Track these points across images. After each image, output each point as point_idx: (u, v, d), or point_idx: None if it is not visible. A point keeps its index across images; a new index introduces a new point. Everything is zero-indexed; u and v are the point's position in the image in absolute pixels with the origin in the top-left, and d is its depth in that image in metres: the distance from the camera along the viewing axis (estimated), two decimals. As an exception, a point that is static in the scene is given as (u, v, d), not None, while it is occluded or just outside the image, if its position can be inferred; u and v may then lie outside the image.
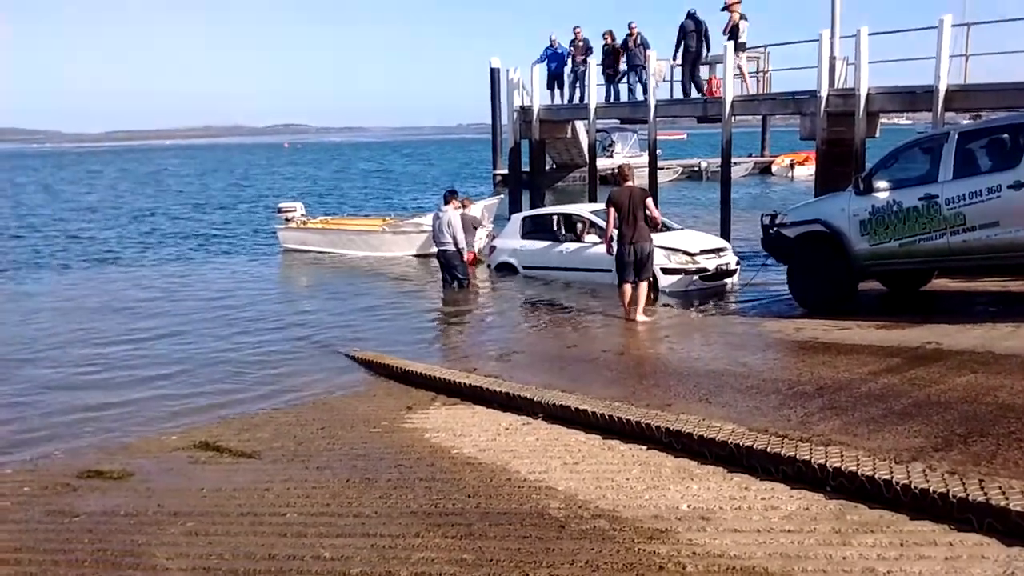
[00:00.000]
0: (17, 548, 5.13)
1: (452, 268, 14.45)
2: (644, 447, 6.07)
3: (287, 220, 20.69)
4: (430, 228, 16.64)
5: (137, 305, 14.19)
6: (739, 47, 18.29)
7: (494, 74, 30.40)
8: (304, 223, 20.70)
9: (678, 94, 20.46)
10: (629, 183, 11.18)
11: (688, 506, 4.98)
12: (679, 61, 19.89)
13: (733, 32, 18.47)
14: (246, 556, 4.72)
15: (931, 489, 4.57)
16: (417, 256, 18.36)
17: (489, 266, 15.99)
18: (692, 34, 19.37)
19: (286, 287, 17.19)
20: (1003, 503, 4.31)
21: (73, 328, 12.33)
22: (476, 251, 16.14)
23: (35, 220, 30.88)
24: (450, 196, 14.92)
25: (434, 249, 15.00)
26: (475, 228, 16.23)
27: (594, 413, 6.62)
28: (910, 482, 4.68)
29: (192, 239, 24.33)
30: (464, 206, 16.20)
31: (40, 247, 22.87)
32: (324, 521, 5.15)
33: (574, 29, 22.34)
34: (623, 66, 21.15)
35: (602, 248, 13.19)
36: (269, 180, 55.80)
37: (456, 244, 14.29)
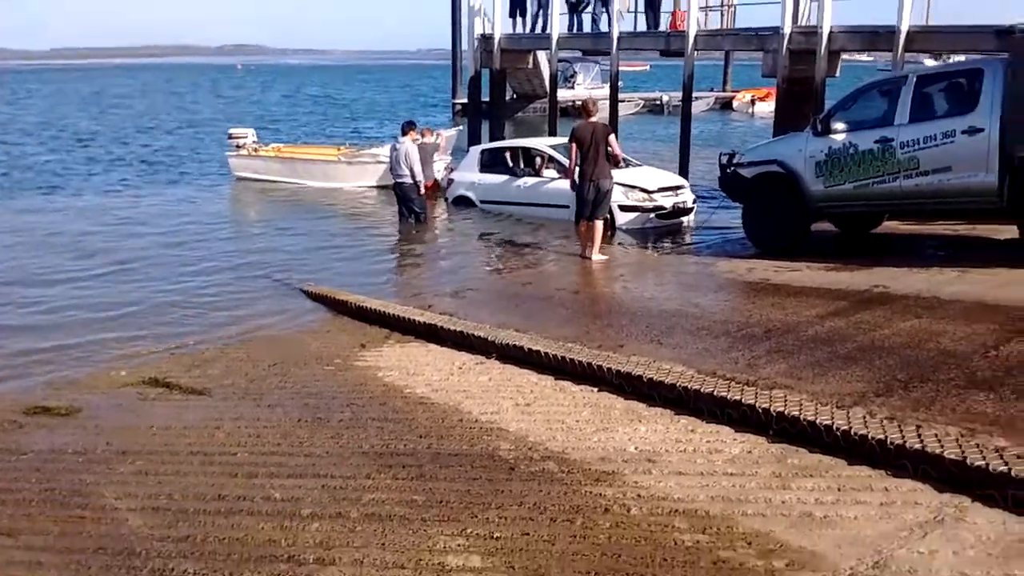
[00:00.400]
0: (-38, 486, 5.09)
1: (409, 201, 14.31)
2: (595, 389, 6.15)
3: (238, 147, 20.10)
4: (387, 159, 16.41)
5: (80, 240, 13.63)
6: None
7: (455, 0, 29.71)
8: (256, 150, 20.18)
9: (642, 26, 20.22)
10: (593, 119, 11.09)
11: (635, 448, 5.08)
12: None
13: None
14: (195, 496, 4.73)
15: (869, 435, 4.71)
16: (374, 187, 18.11)
17: (446, 199, 15.87)
18: None
19: (237, 219, 16.83)
20: (938, 450, 4.46)
21: (14, 265, 11.96)
22: (436, 180, 16.01)
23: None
24: (408, 127, 14.70)
25: (391, 181, 14.82)
26: (434, 157, 16.04)
27: (547, 354, 6.68)
28: (850, 428, 4.82)
29: (136, 166, 23.62)
30: (423, 136, 15.97)
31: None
32: (275, 461, 5.17)
33: None
34: None
35: (560, 183, 13.16)
36: (216, 103, 54.30)
37: (413, 177, 14.10)
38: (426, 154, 15.48)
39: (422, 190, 14.46)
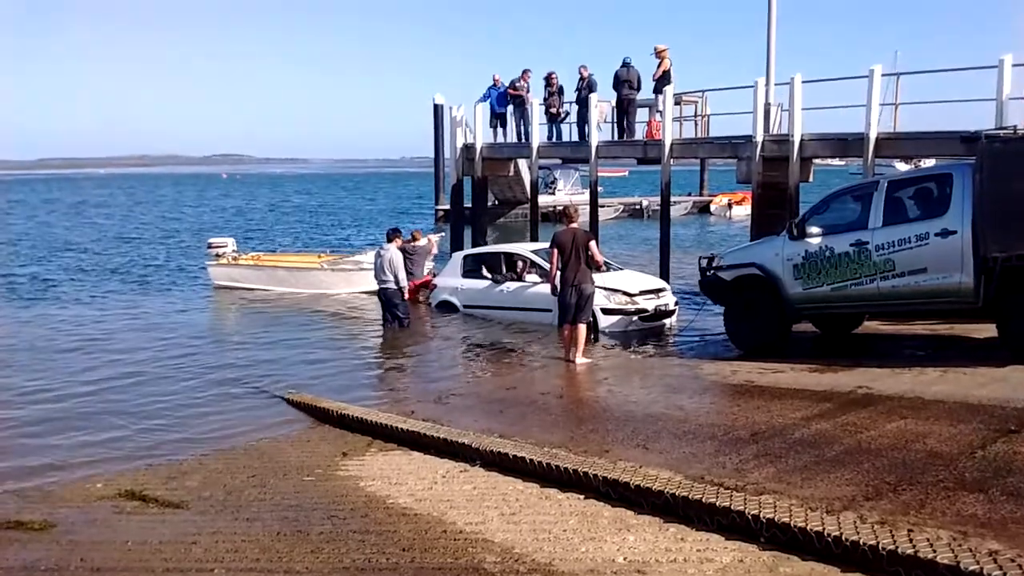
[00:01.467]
0: (-73, 608, 4.89)
1: (393, 307, 14.33)
2: (582, 496, 6.05)
3: (217, 256, 20.15)
4: (370, 266, 16.58)
5: (58, 349, 13.53)
6: (660, 89, 18.72)
7: (438, 110, 30.54)
8: (235, 259, 20.27)
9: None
10: (574, 224, 11.26)
11: (624, 559, 4.96)
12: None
13: (664, 77, 18.89)
14: (170, 616, 4.56)
15: (861, 541, 4.63)
16: (356, 294, 18.13)
17: (429, 304, 15.91)
18: (624, 83, 19.80)
19: (217, 327, 16.73)
20: (931, 555, 4.38)
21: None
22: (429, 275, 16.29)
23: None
24: (393, 234, 14.89)
25: (375, 287, 14.90)
26: (426, 258, 16.47)
27: (532, 461, 6.59)
28: (841, 533, 4.74)
29: (117, 275, 23.56)
30: (415, 238, 16.62)
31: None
32: (253, 578, 5.01)
33: (523, 72, 22.45)
34: (565, 107, 21.42)
35: (542, 288, 13.27)
36: (199, 213, 54.70)
37: (397, 282, 14.16)
38: (419, 256, 16.22)
39: (406, 295, 14.49)
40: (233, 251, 20.47)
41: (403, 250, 15.00)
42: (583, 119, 20.51)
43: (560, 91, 21.53)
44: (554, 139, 21.97)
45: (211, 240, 21.27)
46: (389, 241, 14.69)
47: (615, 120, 20.54)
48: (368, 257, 18.79)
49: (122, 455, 8.00)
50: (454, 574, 4.89)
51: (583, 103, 20.40)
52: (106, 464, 7.72)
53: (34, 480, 7.36)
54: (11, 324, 15.94)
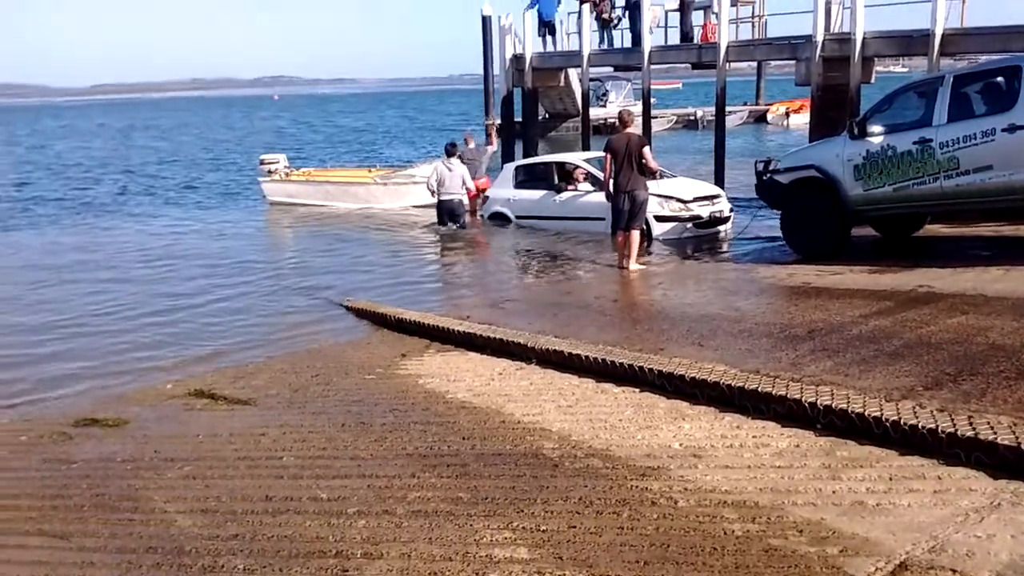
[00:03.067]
0: (16, 495, 5.17)
1: (457, 217, 15.25)
2: (637, 390, 6.12)
3: (269, 172, 20.33)
4: (422, 179, 16.94)
5: (127, 259, 14.12)
6: None
7: (486, 22, 29.90)
8: (288, 175, 20.44)
9: (673, 40, 20.27)
10: (628, 129, 11.10)
11: (680, 445, 5.04)
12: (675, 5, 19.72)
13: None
14: (243, 498, 4.77)
15: (920, 425, 4.63)
16: (409, 208, 18.22)
17: (482, 216, 15.94)
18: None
19: (274, 240, 17.09)
20: (991, 437, 4.37)
21: (62, 277, 12.29)
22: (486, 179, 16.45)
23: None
24: (452, 148, 15.54)
25: (430, 200, 15.71)
26: (476, 172, 16.37)
27: (587, 357, 6.66)
28: (899, 418, 4.74)
29: (174, 192, 24.09)
30: (466, 142, 16.79)
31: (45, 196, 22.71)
32: (320, 464, 5.20)
33: None
34: (616, 12, 20.90)
35: (595, 196, 13.18)
36: (258, 134, 55.11)
37: (467, 191, 15.25)
38: (480, 157, 16.53)
39: (468, 200, 15.43)
40: (285, 167, 20.63)
41: (461, 157, 15.53)
42: (636, 25, 20.00)
43: None
44: (605, 46, 21.51)
45: (263, 156, 21.45)
46: (449, 156, 15.30)
47: (676, 24, 19.99)
48: (420, 170, 18.86)
49: (189, 358, 8.29)
50: (513, 459, 5.01)
51: (635, 8, 19.87)
52: (174, 367, 7.99)
53: (106, 381, 7.68)
54: (86, 236, 16.49)
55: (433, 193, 15.40)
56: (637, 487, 4.50)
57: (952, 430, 4.50)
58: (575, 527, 4.11)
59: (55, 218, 19.82)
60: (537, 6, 22.38)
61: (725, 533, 3.94)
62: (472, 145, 17.07)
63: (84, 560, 4.26)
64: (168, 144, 47.50)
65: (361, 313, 9.53)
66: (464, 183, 15.18)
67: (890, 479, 4.34)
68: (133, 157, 38.53)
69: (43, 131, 67.39)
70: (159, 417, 6.52)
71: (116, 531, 4.56)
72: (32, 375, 7.99)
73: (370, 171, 21.17)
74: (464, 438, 5.44)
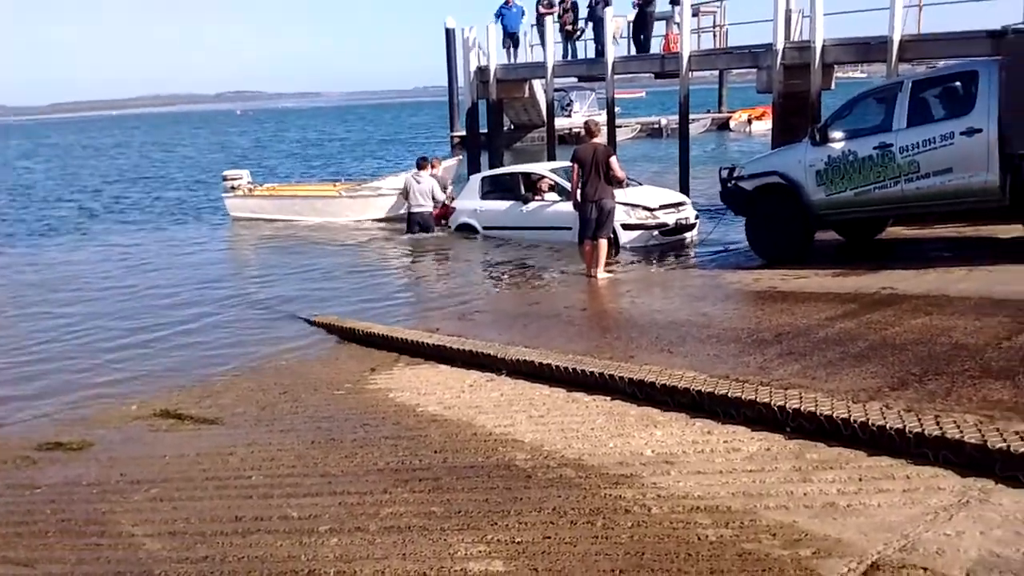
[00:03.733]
0: (-22, 521, 5.06)
1: (426, 228, 15.93)
2: (608, 398, 6.12)
3: (233, 188, 20.10)
4: (389, 192, 17.20)
5: (86, 280, 13.85)
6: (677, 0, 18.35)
7: (449, 34, 29.95)
8: (251, 190, 20.26)
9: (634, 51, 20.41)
10: (595, 139, 11.14)
11: (652, 452, 5.05)
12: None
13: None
14: (212, 519, 4.70)
15: (888, 425, 4.67)
16: (375, 221, 18.15)
17: (448, 226, 15.92)
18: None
19: (238, 256, 16.89)
20: (958, 436, 4.42)
21: (18, 302, 12.08)
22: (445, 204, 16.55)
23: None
24: (423, 162, 16.45)
25: (396, 213, 16.76)
26: (445, 188, 16.80)
27: (558, 367, 6.66)
28: (867, 419, 4.78)
29: (137, 210, 23.78)
30: (433, 166, 16.97)
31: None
32: (290, 482, 5.14)
33: None
34: (579, 24, 21.03)
35: (562, 206, 13.22)
36: (211, 151, 54.58)
37: (435, 205, 15.99)
38: (447, 177, 17.04)
39: (434, 213, 16.00)
40: (248, 183, 20.42)
41: (434, 176, 16.36)
42: (599, 36, 20.13)
43: (574, 7, 21.12)
44: (569, 58, 21.62)
45: (226, 172, 21.19)
46: (421, 169, 16.17)
47: (631, 35, 20.16)
48: (386, 183, 18.84)
49: (153, 379, 8.15)
50: (486, 471, 4.98)
51: (598, 19, 20.01)
52: (138, 388, 7.86)
53: (69, 404, 7.53)
54: (39, 258, 16.15)
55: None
56: (611, 495, 4.49)
57: (919, 430, 4.55)
58: (550, 538, 4.09)
59: (9, 239, 19.45)
60: (502, 19, 22.46)
61: (699, 539, 3.94)
62: (439, 170, 17.30)
63: (50, 587, 4.17)
64: (127, 162, 46.88)
65: (328, 328, 9.45)
66: (433, 195, 15.98)
67: (860, 480, 4.38)
68: (89, 177, 37.95)
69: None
70: (124, 439, 6.41)
71: (83, 556, 4.47)
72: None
73: (335, 185, 21.03)
74: (436, 451, 5.40)
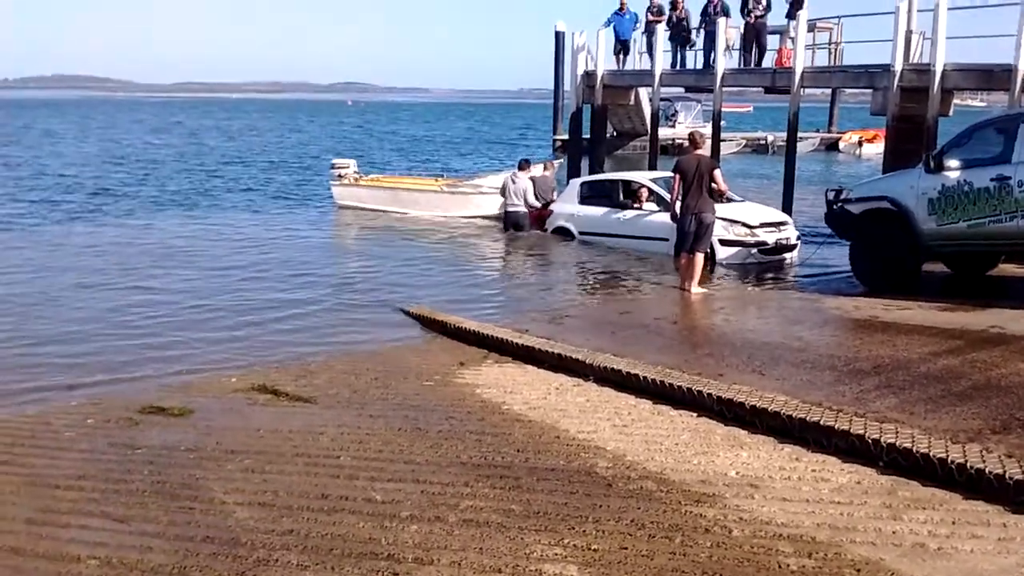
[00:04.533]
0: (80, 476, 5.33)
1: (520, 227, 16.16)
2: (695, 414, 6.07)
3: (340, 176, 20.62)
4: (490, 190, 17.44)
5: (194, 255, 14.44)
6: (792, 14, 17.96)
7: (559, 38, 30.08)
8: (357, 180, 20.73)
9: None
10: (699, 151, 11.02)
11: (737, 473, 4.99)
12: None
13: (797, 1, 18.08)
14: (300, 494, 4.85)
15: (987, 469, 4.51)
16: (474, 217, 18.35)
17: (545, 229, 15.99)
18: (755, 5, 19.05)
19: (340, 243, 17.35)
20: (1062, 488, 4.23)
21: (131, 273, 12.64)
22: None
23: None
24: (524, 164, 16.77)
25: (494, 211, 17.02)
26: (552, 191, 16.84)
27: (645, 378, 6.63)
28: (966, 461, 4.63)
29: (247, 193, 24.60)
30: (545, 169, 17.48)
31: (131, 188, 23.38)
32: (376, 466, 5.27)
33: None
34: (694, 35, 20.80)
35: (660, 216, 13.12)
36: (331, 140, 55.98)
37: (528, 207, 16.14)
38: (547, 184, 16.90)
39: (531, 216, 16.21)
40: (355, 172, 20.91)
41: (532, 180, 16.52)
42: (710, 46, 19.89)
43: (687, 16, 20.93)
44: (678, 67, 21.42)
45: (335, 161, 21.77)
46: (521, 170, 16.49)
47: (742, 47, 19.84)
48: (487, 181, 19.04)
49: (254, 354, 8.45)
50: (567, 475, 5.01)
51: (711, 30, 19.78)
52: (239, 361, 8.17)
53: (173, 372, 7.88)
54: (157, 233, 16.92)
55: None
56: (691, 513, 4.46)
57: (1020, 477, 4.38)
58: (626, 548, 4.09)
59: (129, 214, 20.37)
60: (613, 24, 22.41)
61: (780, 567, 3.89)
62: (549, 172, 17.58)
63: (143, 544, 4.36)
64: (245, 144, 48.52)
65: (422, 320, 9.62)
66: (525, 198, 16.18)
67: (953, 523, 4.24)
68: (210, 157, 39.42)
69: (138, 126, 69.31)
70: (223, 409, 6.66)
71: (175, 518, 4.67)
72: (101, 360, 8.23)
73: (437, 180, 21.36)
74: (518, 450, 5.46)
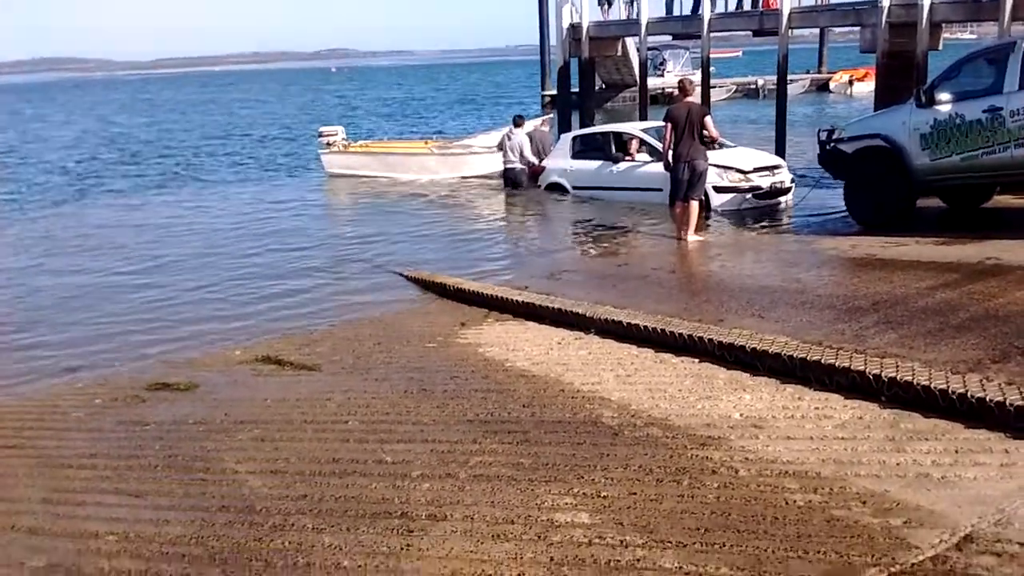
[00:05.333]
0: (93, 454, 5.38)
1: (518, 184, 16.26)
2: (696, 360, 6.12)
3: (328, 144, 20.48)
4: (481, 149, 17.40)
5: (188, 228, 14.47)
6: None
7: (543, -9, 29.79)
8: (346, 147, 20.60)
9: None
10: (689, 98, 10.96)
11: (741, 415, 5.04)
12: None
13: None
14: (311, 460, 4.91)
15: (987, 398, 4.57)
16: (466, 178, 18.30)
17: (539, 185, 15.95)
18: None
19: (334, 210, 17.31)
20: (1062, 411, 4.29)
21: (134, 253, 12.66)
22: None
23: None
24: (519, 120, 16.86)
25: (487, 170, 17.17)
26: (545, 147, 16.91)
27: (646, 327, 6.67)
28: (966, 391, 4.68)
29: (236, 166, 24.49)
30: (543, 124, 18.05)
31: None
32: (384, 428, 5.32)
33: None
34: None
35: (653, 167, 13.08)
36: (318, 108, 55.60)
37: (525, 163, 16.24)
38: (545, 139, 17.13)
39: (531, 169, 16.27)
40: (343, 139, 20.77)
41: (530, 135, 16.67)
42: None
43: None
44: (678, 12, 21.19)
45: (321, 129, 21.61)
46: (516, 126, 16.55)
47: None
48: (477, 141, 18.99)
49: (255, 325, 8.49)
50: (573, 427, 5.07)
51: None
52: (241, 334, 8.20)
53: (177, 347, 7.92)
54: (147, 207, 16.88)
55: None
56: (697, 456, 4.53)
57: (1021, 403, 4.44)
58: (635, 494, 4.16)
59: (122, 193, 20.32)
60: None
61: (787, 503, 3.95)
62: (547, 128, 18.06)
63: (159, 518, 4.42)
64: (231, 117, 48.18)
65: (421, 283, 9.65)
66: (521, 153, 16.23)
67: (956, 452, 4.30)
68: (198, 130, 39.18)
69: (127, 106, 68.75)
70: (229, 382, 6.71)
71: (189, 490, 4.73)
72: (104, 339, 8.27)
73: (427, 143, 21.24)
74: (524, 405, 5.51)
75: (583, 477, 4.38)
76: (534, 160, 16.24)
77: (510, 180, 16.49)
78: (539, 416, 5.30)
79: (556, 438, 4.92)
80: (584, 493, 4.21)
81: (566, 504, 4.11)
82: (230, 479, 4.81)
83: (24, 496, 4.81)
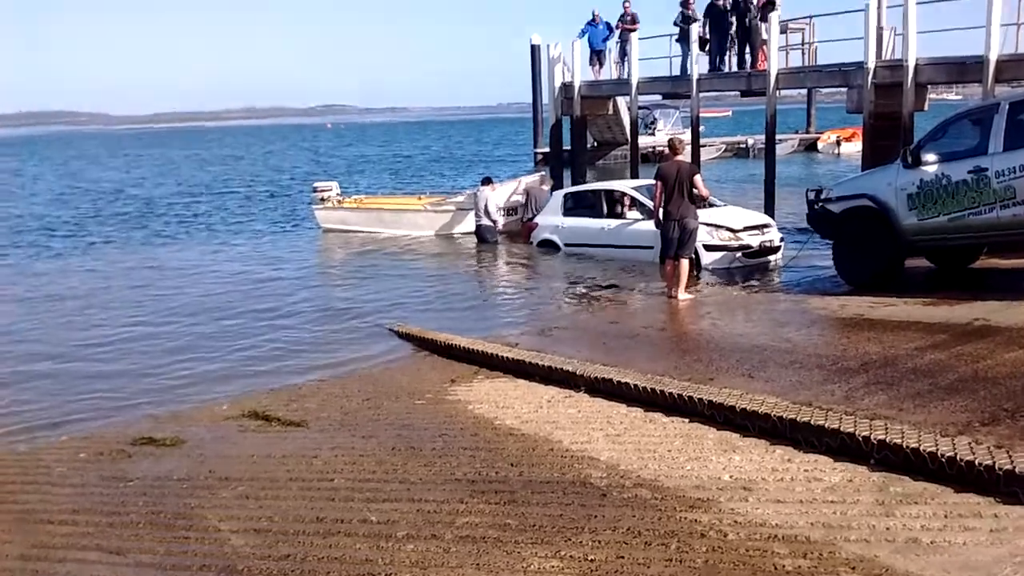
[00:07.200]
0: (75, 510, 5.32)
1: (483, 239, 17.33)
2: (686, 420, 6.10)
3: (323, 199, 20.53)
4: (469, 207, 17.83)
5: (182, 283, 14.45)
6: (765, 17, 18.10)
7: (535, 51, 30.26)
8: (340, 202, 20.69)
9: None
10: (679, 157, 11.09)
11: (730, 477, 5.01)
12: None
13: (769, 3, 18.23)
14: (295, 519, 4.85)
15: (977, 461, 4.55)
16: (458, 234, 18.38)
17: (531, 243, 16.02)
18: (729, 10, 19.26)
19: (326, 265, 17.30)
20: (1051, 476, 4.27)
21: (123, 310, 12.60)
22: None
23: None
24: (486, 180, 17.97)
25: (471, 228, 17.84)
26: (538, 203, 17.34)
27: (636, 386, 6.65)
28: (955, 454, 4.66)
29: (232, 221, 24.54)
30: (542, 182, 18.94)
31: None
32: (370, 487, 5.27)
33: (623, 3, 22.21)
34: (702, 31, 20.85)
35: (644, 225, 13.18)
36: (307, 161, 55.97)
37: (491, 220, 17.31)
38: (543, 196, 17.55)
39: (498, 230, 17.44)
40: (337, 194, 20.84)
41: (527, 191, 17.85)
42: (686, 52, 20.04)
43: (634, 19, 21.45)
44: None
45: (316, 184, 21.64)
46: (484, 185, 17.65)
47: (723, 50, 19.93)
48: (468, 198, 19.15)
49: (242, 380, 8.45)
50: (561, 487, 5.02)
51: (685, 36, 19.93)
52: (228, 388, 8.16)
53: (163, 401, 7.86)
54: (141, 263, 16.87)
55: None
56: (686, 519, 4.48)
57: (1010, 467, 4.42)
58: (623, 557, 4.11)
59: (124, 241, 20.33)
60: (587, 35, 22.56)
61: (776, 568, 3.91)
62: (546, 186, 18.87)
63: (140, 576, 4.35)
64: (225, 171, 48.42)
65: (411, 338, 9.63)
66: (486, 210, 17.32)
67: (945, 516, 4.28)
68: (195, 182, 39.33)
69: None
70: (214, 437, 6.65)
71: (171, 548, 4.67)
72: (90, 393, 8.20)
73: (419, 198, 21.36)
74: (512, 464, 5.47)
75: (570, 539, 4.33)
76: (496, 218, 17.37)
77: (479, 236, 17.50)
78: (527, 476, 5.26)
79: (544, 498, 4.88)
80: (571, 556, 4.16)
81: (553, 568, 4.06)
82: (212, 537, 4.75)
83: (2, 552, 4.74)
